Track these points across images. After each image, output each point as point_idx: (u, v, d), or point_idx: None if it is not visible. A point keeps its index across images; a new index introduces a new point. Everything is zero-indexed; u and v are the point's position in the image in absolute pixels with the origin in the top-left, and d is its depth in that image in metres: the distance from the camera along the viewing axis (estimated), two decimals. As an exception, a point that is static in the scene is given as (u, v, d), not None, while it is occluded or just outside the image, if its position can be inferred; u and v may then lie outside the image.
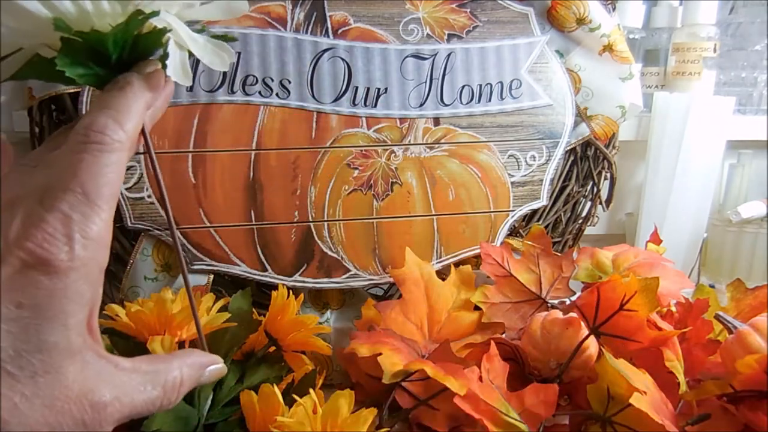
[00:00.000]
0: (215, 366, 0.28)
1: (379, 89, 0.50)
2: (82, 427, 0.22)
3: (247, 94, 0.48)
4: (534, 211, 0.55)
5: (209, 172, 0.48)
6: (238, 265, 0.50)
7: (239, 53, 0.48)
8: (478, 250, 0.52)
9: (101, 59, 0.25)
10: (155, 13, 0.24)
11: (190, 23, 0.26)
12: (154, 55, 0.26)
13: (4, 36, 0.23)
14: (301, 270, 0.50)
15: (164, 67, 0.26)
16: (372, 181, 0.51)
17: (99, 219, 0.22)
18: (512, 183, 0.53)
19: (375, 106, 0.50)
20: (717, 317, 0.40)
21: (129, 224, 0.48)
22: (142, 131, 0.26)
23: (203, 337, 0.30)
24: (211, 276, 0.50)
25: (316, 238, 0.50)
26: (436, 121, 0.52)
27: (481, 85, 0.52)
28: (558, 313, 0.42)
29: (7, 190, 0.23)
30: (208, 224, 0.49)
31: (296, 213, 0.50)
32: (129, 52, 0.25)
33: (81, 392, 0.22)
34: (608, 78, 0.55)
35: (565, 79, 0.54)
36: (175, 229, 0.28)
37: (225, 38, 0.27)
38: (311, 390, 0.35)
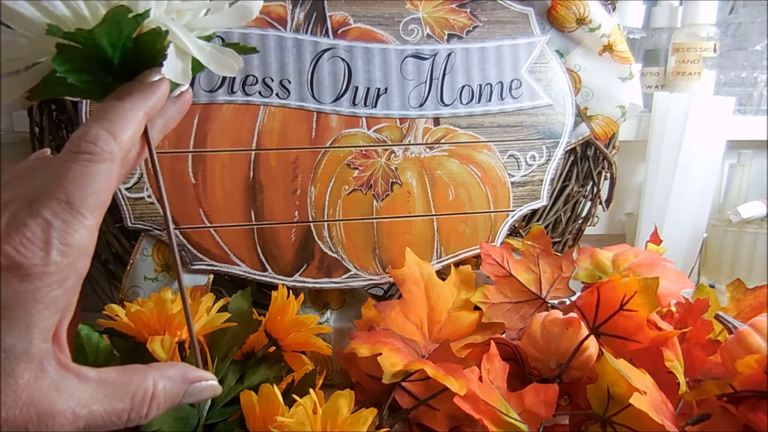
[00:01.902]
0: (206, 383, 0.26)
1: (379, 89, 0.50)
2: None
3: (247, 94, 0.49)
4: (534, 211, 0.55)
5: (209, 172, 0.48)
6: (238, 265, 0.50)
7: (239, 53, 0.48)
8: (478, 250, 0.52)
9: (104, 65, 0.25)
10: (146, 14, 0.24)
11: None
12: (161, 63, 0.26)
13: (20, 47, 0.23)
14: (301, 270, 0.50)
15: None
16: (372, 181, 0.51)
17: (81, 227, 0.22)
18: (512, 183, 0.53)
19: (375, 106, 0.50)
20: (717, 317, 0.40)
21: (129, 224, 0.48)
22: (147, 139, 0.26)
23: (197, 347, 0.28)
24: (211, 276, 0.50)
25: (316, 238, 0.50)
26: (436, 121, 0.52)
27: (481, 85, 0.52)
28: (558, 313, 0.42)
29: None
30: (208, 224, 0.49)
31: (296, 213, 0.50)
32: (133, 57, 0.25)
33: (30, 400, 0.21)
34: (608, 78, 0.55)
35: (565, 79, 0.54)
36: (173, 229, 0.28)
37: (241, 48, 0.27)
38: (311, 390, 0.35)
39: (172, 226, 0.28)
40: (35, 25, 0.23)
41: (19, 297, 0.21)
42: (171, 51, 0.25)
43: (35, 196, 0.22)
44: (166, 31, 0.24)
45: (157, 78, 0.26)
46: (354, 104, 0.50)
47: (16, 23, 0.23)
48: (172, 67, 0.25)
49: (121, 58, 0.25)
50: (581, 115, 0.55)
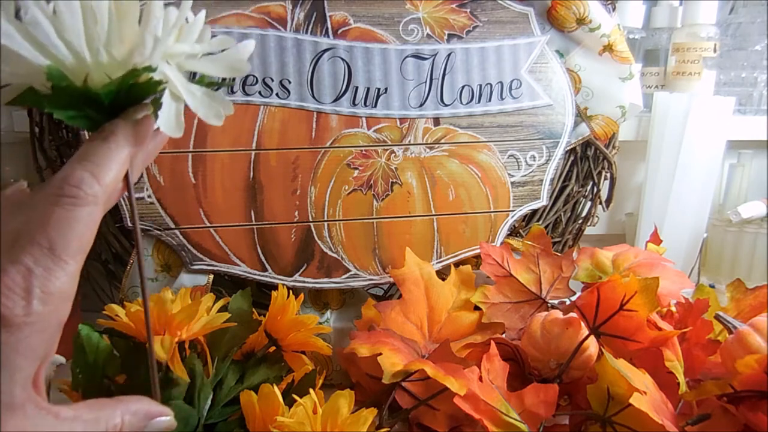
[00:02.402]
0: (162, 419, 0.27)
1: (379, 89, 0.50)
2: None
3: (247, 94, 0.49)
4: (534, 211, 0.55)
5: (209, 172, 0.48)
6: (238, 265, 0.50)
7: (239, 53, 0.48)
8: (478, 250, 0.52)
9: (93, 103, 0.24)
10: (152, 69, 0.24)
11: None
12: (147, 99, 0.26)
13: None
14: (301, 270, 0.50)
15: (155, 114, 0.25)
16: (372, 181, 0.51)
17: (63, 273, 0.22)
18: (512, 183, 0.53)
19: (375, 106, 0.50)
20: (717, 317, 0.40)
21: (129, 224, 0.48)
22: (127, 178, 0.26)
23: (157, 386, 0.29)
24: (211, 276, 0.50)
25: (316, 238, 0.50)
26: (436, 121, 0.52)
27: (481, 85, 0.52)
28: (558, 313, 0.42)
29: None
30: (208, 224, 0.49)
31: (296, 213, 0.50)
32: (124, 98, 0.25)
33: None
34: (608, 78, 0.55)
35: (565, 79, 0.54)
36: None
37: (222, 83, 0.27)
38: (311, 390, 0.35)
39: (142, 250, 0.28)
40: (33, 66, 0.23)
41: (1, 349, 0.21)
42: (166, 100, 0.25)
43: (16, 239, 0.22)
44: (160, 81, 0.24)
45: (142, 115, 0.25)
46: (354, 104, 0.50)
47: (15, 63, 0.23)
48: (166, 119, 0.25)
49: (112, 100, 0.25)
50: (581, 115, 0.55)
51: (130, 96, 0.25)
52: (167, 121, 0.25)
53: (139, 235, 0.28)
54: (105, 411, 0.25)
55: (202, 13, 0.26)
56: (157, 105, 0.25)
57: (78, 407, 0.24)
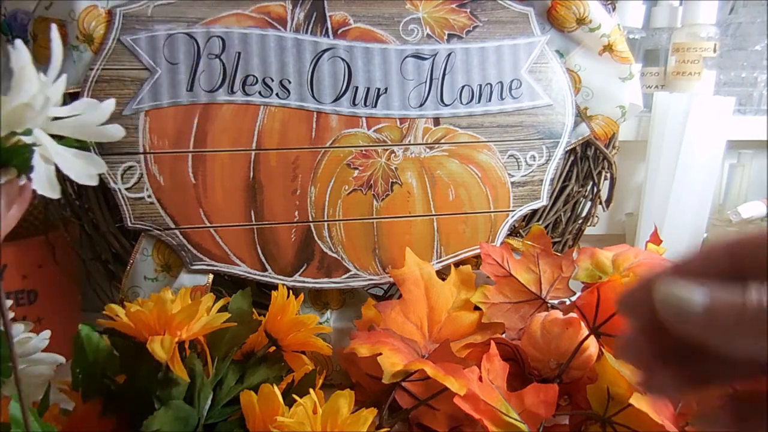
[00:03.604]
0: None
1: (379, 89, 0.50)
2: None
3: (247, 94, 0.49)
4: (534, 211, 0.55)
5: (209, 172, 0.48)
6: (238, 265, 0.50)
7: (239, 53, 0.48)
8: (478, 250, 0.52)
9: None
10: (28, 132, 0.23)
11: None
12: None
13: None
14: (301, 270, 0.50)
15: (20, 175, 0.25)
16: (372, 181, 0.51)
17: None
18: (512, 183, 0.53)
19: (375, 106, 0.50)
20: (717, 317, 0.40)
21: (129, 224, 0.48)
22: None
23: (30, 423, 0.28)
24: (211, 276, 0.50)
25: (316, 238, 0.50)
26: (436, 121, 0.52)
27: (481, 85, 0.52)
28: (558, 313, 0.42)
29: None
30: (208, 224, 0.49)
31: (296, 213, 0.50)
32: None
33: None
34: (608, 78, 0.55)
35: (565, 79, 0.54)
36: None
37: (81, 146, 0.26)
38: (311, 390, 0.35)
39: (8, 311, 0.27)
40: None
41: None
42: (38, 163, 0.24)
43: None
44: (31, 145, 0.24)
45: (6, 180, 0.25)
46: (354, 104, 0.50)
47: None
48: (40, 181, 0.24)
49: None
50: (581, 115, 0.55)
51: None
52: (41, 183, 0.25)
53: (7, 316, 0.27)
54: None
55: (63, 77, 0.26)
56: (26, 170, 0.25)
57: None
